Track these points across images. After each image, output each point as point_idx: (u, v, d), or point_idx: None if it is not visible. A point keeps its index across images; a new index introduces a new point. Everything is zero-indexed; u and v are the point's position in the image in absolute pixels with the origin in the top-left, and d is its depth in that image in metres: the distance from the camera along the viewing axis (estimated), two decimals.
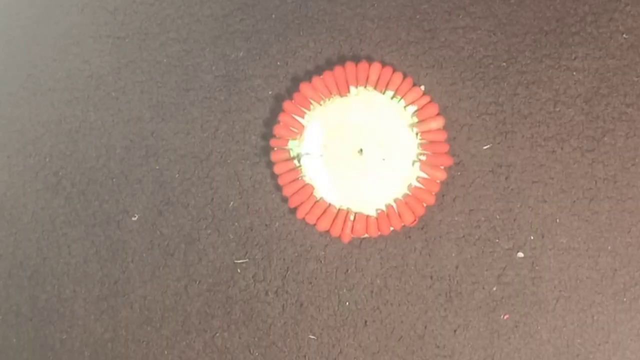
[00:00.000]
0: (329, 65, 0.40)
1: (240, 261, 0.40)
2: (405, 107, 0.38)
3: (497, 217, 0.37)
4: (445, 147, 0.37)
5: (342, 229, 0.38)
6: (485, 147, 0.37)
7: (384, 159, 0.38)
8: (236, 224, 0.40)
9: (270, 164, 0.39)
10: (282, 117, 0.39)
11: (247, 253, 0.40)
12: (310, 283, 0.39)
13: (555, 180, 0.38)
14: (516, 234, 0.37)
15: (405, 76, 0.38)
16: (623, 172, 0.37)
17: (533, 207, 0.37)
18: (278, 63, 0.41)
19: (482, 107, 0.37)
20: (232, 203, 0.40)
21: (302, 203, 0.38)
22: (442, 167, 0.37)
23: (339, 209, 0.38)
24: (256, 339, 0.39)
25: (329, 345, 0.38)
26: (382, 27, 0.39)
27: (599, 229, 0.37)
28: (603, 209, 0.37)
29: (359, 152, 0.38)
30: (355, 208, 0.38)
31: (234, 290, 0.39)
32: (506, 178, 0.37)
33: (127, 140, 0.42)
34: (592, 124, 0.37)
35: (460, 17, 0.38)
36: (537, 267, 0.37)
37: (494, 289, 0.37)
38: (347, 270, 0.39)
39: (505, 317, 0.37)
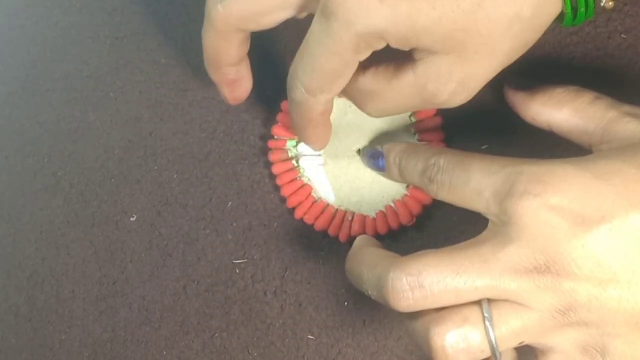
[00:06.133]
0: None
1: (239, 261, 0.40)
2: None
3: None
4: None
5: (341, 229, 0.38)
6: (483, 147, 0.37)
7: None
8: (234, 224, 0.40)
9: (268, 164, 0.39)
10: (280, 118, 0.38)
11: (245, 253, 0.40)
12: (309, 283, 0.39)
13: None
14: None
15: None
16: None
17: None
18: (277, 63, 0.40)
19: (481, 107, 0.37)
20: (230, 203, 0.40)
21: (300, 203, 0.38)
22: None
23: (337, 209, 0.38)
24: (255, 339, 0.39)
25: (328, 345, 0.38)
26: None
27: None
28: None
29: (356, 152, 0.38)
30: (353, 208, 0.38)
31: (233, 291, 0.39)
32: None
33: (125, 141, 0.42)
34: None
35: None
36: None
37: None
38: None
39: None
